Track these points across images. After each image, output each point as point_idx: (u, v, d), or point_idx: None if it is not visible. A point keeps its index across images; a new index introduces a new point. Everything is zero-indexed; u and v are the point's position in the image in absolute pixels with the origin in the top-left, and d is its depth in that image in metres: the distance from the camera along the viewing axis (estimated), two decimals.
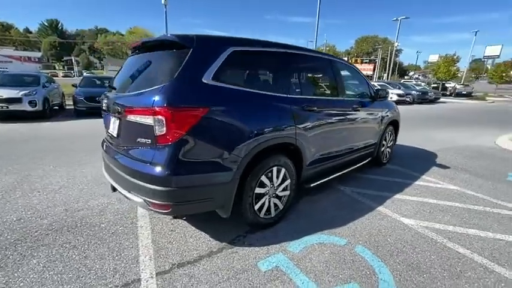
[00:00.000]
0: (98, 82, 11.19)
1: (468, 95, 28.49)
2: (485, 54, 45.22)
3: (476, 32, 35.01)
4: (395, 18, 29.09)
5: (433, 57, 64.85)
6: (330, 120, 3.00)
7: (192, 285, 1.85)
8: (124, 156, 2.14)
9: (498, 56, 43.19)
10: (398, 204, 3.14)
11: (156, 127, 1.81)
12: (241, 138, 2.10)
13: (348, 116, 3.30)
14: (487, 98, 26.35)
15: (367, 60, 69.24)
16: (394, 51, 50.82)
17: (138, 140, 1.97)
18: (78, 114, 9.55)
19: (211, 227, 2.53)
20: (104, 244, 2.28)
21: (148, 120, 1.85)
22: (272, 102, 2.39)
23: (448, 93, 28.95)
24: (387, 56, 70.77)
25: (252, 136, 2.15)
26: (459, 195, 3.46)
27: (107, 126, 2.58)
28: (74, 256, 2.12)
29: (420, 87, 22.02)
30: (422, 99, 19.93)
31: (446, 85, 29.95)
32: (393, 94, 18.37)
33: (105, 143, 2.63)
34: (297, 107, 2.57)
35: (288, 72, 2.59)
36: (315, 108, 2.76)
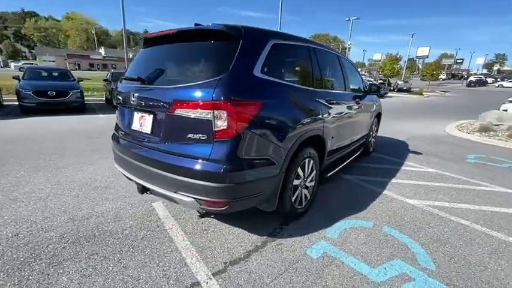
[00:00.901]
0: (45, 74, 9.78)
1: (408, 90, 32.30)
2: (417, 55, 51.63)
3: (413, 34, 39.82)
4: (348, 19, 31.30)
5: (377, 56, 71.52)
6: (342, 113, 3.18)
7: (255, 280, 1.83)
8: (165, 154, 1.97)
9: (427, 56, 49.77)
10: (398, 188, 3.51)
11: (216, 121, 1.72)
12: (287, 131, 2.12)
13: (352, 109, 3.54)
14: (423, 93, 30.25)
15: None
16: (346, 49, 54.51)
17: (189, 135, 1.84)
18: (26, 111, 8.16)
19: (243, 223, 2.50)
20: (138, 251, 2.09)
21: (204, 114, 1.74)
22: (307, 95, 2.45)
23: (391, 88, 32.40)
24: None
25: (296, 129, 2.18)
26: (440, 177, 4.01)
27: (126, 122, 2.34)
28: (111, 268, 1.90)
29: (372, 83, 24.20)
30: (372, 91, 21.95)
31: (390, 81, 33.51)
32: None
33: (123, 141, 2.38)
34: (323, 100, 2.67)
35: (314, 66, 2.67)
36: (334, 101, 2.91)
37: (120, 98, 2.38)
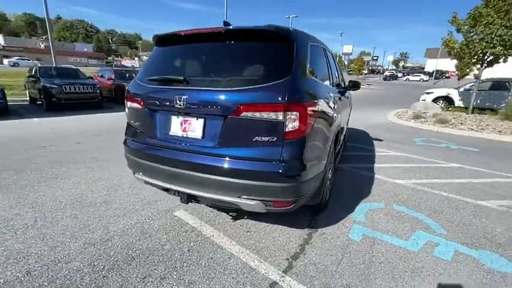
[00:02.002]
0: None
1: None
2: (343, 52, 58.00)
3: (342, 33, 44.47)
4: (287, 16, 32.84)
5: None
6: (340, 107, 3.49)
7: (323, 269, 1.95)
8: (224, 159, 1.87)
9: (351, 53, 56.42)
10: (383, 171, 4.06)
11: (287, 123, 1.74)
12: (329, 128, 2.27)
13: (343, 103, 3.90)
14: None
15: None
16: None
17: (256, 138, 1.79)
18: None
19: (277, 220, 2.55)
20: (194, 264, 1.96)
21: (275, 116, 1.73)
22: (331, 92, 2.63)
23: None
24: None
25: (333, 125, 2.35)
26: (407, 159, 4.77)
27: (160, 127, 2.11)
28: (176, 287, 1.75)
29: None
30: None
31: None
32: None
33: (154, 148, 2.14)
34: (335, 95, 2.90)
35: (328, 65, 2.86)
36: (340, 96, 3.18)
37: (147, 101, 2.12)
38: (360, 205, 2.95)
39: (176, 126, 2.04)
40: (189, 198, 2.10)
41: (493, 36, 7.95)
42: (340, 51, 56.73)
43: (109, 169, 3.81)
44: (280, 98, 1.72)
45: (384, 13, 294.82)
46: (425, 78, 47.38)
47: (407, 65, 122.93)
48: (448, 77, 44.90)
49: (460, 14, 8.75)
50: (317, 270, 1.94)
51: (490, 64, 8.74)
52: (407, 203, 3.04)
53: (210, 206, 2.73)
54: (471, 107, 9.67)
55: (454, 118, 8.57)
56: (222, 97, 1.83)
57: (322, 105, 2.11)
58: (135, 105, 2.23)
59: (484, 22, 7.88)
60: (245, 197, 1.88)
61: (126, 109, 2.39)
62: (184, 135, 2.01)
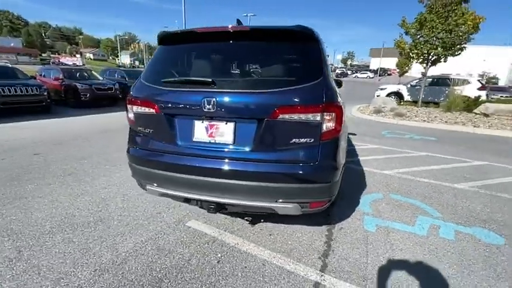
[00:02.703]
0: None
1: None
2: None
3: None
4: (245, 14, 32.86)
5: None
6: None
7: (355, 263, 2.02)
8: (260, 163, 1.79)
9: None
10: (369, 163, 4.36)
11: (325, 124, 1.74)
12: (347, 127, 2.34)
13: None
14: None
15: None
16: None
17: (293, 140, 1.75)
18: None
19: (293, 219, 2.54)
20: (230, 276, 1.86)
21: (313, 117, 1.72)
22: None
23: None
24: None
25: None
26: (384, 151, 5.21)
27: (180, 134, 1.93)
28: None
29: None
30: None
31: None
32: None
33: (175, 157, 1.95)
34: None
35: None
36: None
37: (165, 106, 1.92)
38: (363, 197, 3.12)
39: (201, 131, 1.89)
40: (218, 208, 1.97)
41: (435, 38, 9.11)
42: None
43: (89, 182, 3.38)
44: (318, 99, 1.72)
45: (330, 15, 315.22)
46: (372, 75, 52.15)
47: (354, 63, 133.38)
48: (390, 74, 50.18)
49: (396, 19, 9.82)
50: (350, 265, 2.00)
51: (434, 63, 10.01)
52: (400, 191, 3.32)
53: (231, 213, 2.61)
54: (420, 101, 10.98)
55: (408, 111, 9.63)
56: (258, 99, 1.75)
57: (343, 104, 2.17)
58: (147, 110, 2.00)
59: (428, 26, 8.99)
60: (282, 200, 1.84)
61: (130, 114, 2.14)
62: (212, 141, 1.88)
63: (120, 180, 3.42)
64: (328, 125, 1.76)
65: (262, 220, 2.55)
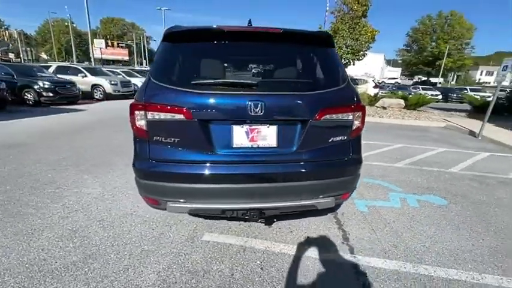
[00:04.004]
0: None
1: None
2: None
3: None
4: (159, 8, 30.43)
5: None
6: None
7: (371, 240, 2.33)
8: (303, 163, 1.83)
9: None
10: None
11: (354, 122, 1.94)
12: None
13: None
14: None
15: (123, 45, 66.14)
16: (149, 38, 52.32)
17: (331, 138, 1.87)
18: None
19: (302, 213, 2.70)
20: (288, 277, 1.85)
21: (347, 116, 1.89)
22: None
23: None
24: (140, 42, 71.67)
25: None
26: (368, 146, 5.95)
27: (217, 140, 1.76)
28: None
29: None
30: None
31: None
32: None
33: (213, 166, 1.76)
34: None
35: None
36: None
37: (200, 111, 1.69)
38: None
39: (241, 136, 1.78)
40: (260, 215, 1.91)
41: (345, 45, 10.92)
42: None
43: (46, 207, 2.62)
44: (351, 100, 1.90)
45: (238, 14, 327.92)
46: None
47: None
48: None
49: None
50: (369, 242, 2.31)
51: (345, 66, 11.97)
52: (363, 174, 3.95)
53: (242, 218, 2.51)
54: None
55: None
56: (304, 101, 1.79)
57: None
58: (171, 116, 1.72)
59: (340, 34, 10.67)
60: (322, 196, 1.96)
61: (140, 122, 1.78)
62: (254, 145, 1.80)
63: (81, 205, 2.76)
64: (356, 122, 1.97)
65: (275, 220, 2.59)
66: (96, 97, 12.32)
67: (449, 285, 1.86)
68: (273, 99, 1.75)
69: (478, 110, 11.50)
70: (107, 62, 49.84)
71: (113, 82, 12.63)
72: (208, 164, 1.78)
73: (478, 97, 14.49)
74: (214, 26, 1.83)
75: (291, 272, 1.92)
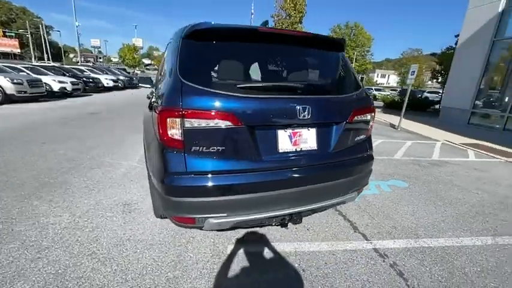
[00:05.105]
0: None
1: None
2: (134, 44, 55.38)
3: (136, 25, 41.71)
4: None
5: (95, 42, 65.95)
6: None
7: (372, 222, 2.63)
8: (337, 162, 1.93)
9: (141, 47, 55.38)
10: None
11: (371, 122, 2.15)
12: None
13: None
14: None
15: (12, 34, 53.38)
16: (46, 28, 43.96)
17: (356, 138, 2.02)
18: None
19: None
20: (333, 271, 1.92)
21: (367, 117, 2.08)
22: None
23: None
24: (37, 32, 59.13)
25: None
26: None
27: (264, 146, 1.68)
28: None
29: (126, 73, 23.39)
30: (131, 83, 21.62)
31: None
32: (109, 80, 18.00)
33: (263, 174, 1.67)
34: None
35: None
36: None
37: (249, 117, 1.56)
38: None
39: (285, 141, 1.74)
40: (297, 218, 1.93)
41: None
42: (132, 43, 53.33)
43: (25, 235, 1.94)
44: (370, 102, 2.10)
45: (164, 10, 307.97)
46: None
47: None
48: None
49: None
50: (374, 227, 2.59)
51: None
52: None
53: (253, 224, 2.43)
54: None
55: None
56: (341, 103, 1.88)
57: None
58: (215, 123, 1.54)
59: None
60: (351, 191, 2.10)
61: (175, 131, 1.54)
62: (298, 149, 1.79)
63: (51, 239, 2.19)
64: (371, 122, 2.19)
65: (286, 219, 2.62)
66: None
67: (445, 251, 2.28)
68: (317, 102, 1.79)
69: (388, 106, 14.07)
70: None
71: (15, 81, 10.07)
72: (254, 172, 1.68)
73: (385, 95, 17.67)
74: (247, 26, 1.74)
75: (330, 268, 2.00)
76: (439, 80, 16.33)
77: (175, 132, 1.54)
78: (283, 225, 2.34)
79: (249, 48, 1.82)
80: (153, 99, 2.07)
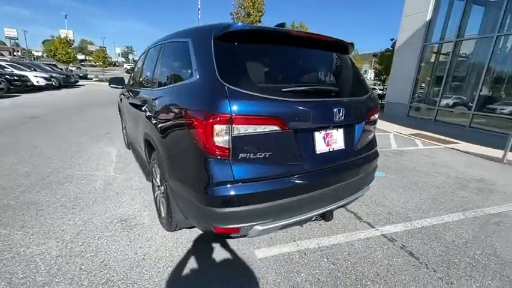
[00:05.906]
0: None
1: (85, 77, 30.95)
2: (61, 36, 48.63)
3: (66, 15, 36.56)
4: None
5: (10, 32, 56.07)
6: None
7: (371, 211, 2.89)
8: (358, 159, 2.06)
9: (73, 41, 49.13)
10: None
11: (377, 120, 2.35)
12: None
13: None
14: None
15: None
16: None
17: (369, 136, 2.19)
18: None
19: None
20: (355, 263, 2.05)
21: (376, 115, 2.26)
22: None
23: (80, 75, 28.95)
24: None
25: None
26: None
27: (304, 149, 1.70)
28: None
29: (59, 70, 20.34)
30: (67, 82, 18.95)
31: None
32: (39, 78, 15.45)
33: (304, 176, 1.68)
34: None
35: None
36: None
37: (294, 120, 1.56)
38: None
39: (320, 142, 1.79)
40: (329, 217, 2.03)
41: None
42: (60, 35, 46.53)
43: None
44: (378, 102, 2.29)
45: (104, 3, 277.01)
46: None
47: (135, 58, 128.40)
48: None
49: None
50: (374, 216, 2.84)
51: None
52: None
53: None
54: None
55: None
56: (364, 104, 2.01)
57: None
58: (264, 128, 1.50)
59: None
60: (367, 185, 2.28)
61: (220, 138, 1.45)
62: (331, 149, 1.85)
63: (43, 270, 1.85)
64: (377, 121, 2.40)
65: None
66: None
67: (436, 229, 2.65)
68: (348, 104, 1.88)
69: None
70: None
71: None
72: (298, 175, 1.70)
73: None
74: (279, 28, 1.73)
75: (355, 257, 2.14)
76: (382, 78, 18.44)
77: (222, 139, 1.45)
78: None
79: (282, 51, 1.80)
80: (168, 104, 1.91)
